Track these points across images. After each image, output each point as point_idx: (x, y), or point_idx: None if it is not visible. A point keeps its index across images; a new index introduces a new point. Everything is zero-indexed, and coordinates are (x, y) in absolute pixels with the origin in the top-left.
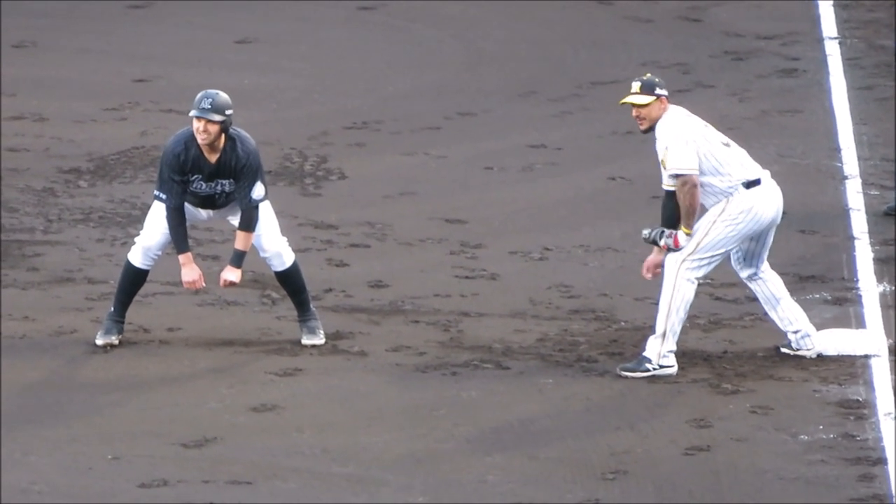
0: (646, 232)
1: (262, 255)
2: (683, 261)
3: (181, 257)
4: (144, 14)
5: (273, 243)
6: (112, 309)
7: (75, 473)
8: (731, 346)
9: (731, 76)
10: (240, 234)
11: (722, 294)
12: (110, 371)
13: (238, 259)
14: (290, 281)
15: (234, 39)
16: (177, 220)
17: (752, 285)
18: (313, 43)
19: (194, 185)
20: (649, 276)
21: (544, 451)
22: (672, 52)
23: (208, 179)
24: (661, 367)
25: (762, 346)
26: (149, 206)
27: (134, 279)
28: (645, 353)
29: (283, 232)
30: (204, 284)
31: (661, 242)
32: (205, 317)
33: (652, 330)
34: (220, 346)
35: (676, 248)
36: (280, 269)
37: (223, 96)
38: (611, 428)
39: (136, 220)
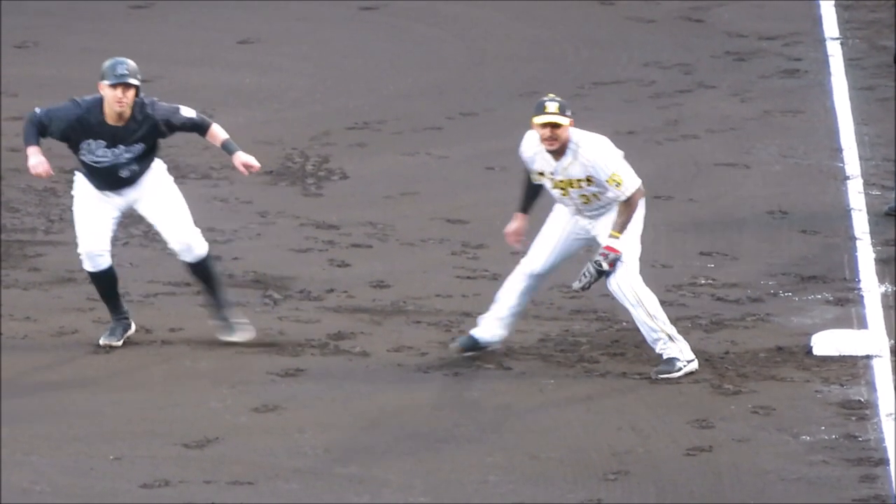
0: (584, 280)
1: (171, 245)
2: (627, 275)
3: (30, 149)
4: (146, 14)
5: (184, 234)
6: (111, 313)
7: (77, 474)
8: (733, 346)
9: (732, 76)
10: (212, 135)
11: (724, 294)
12: (112, 371)
13: (233, 144)
14: (204, 274)
15: (236, 39)
16: (38, 128)
17: (530, 281)
18: (315, 43)
19: (98, 153)
20: (517, 243)
21: (546, 452)
22: (674, 53)
23: (112, 145)
24: (688, 361)
25: (764, 346)
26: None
27: (104, 282)
28: (667, 356)
29: (285, 232)
30: (52, 172)
31: (605, 265)
32: (207, 317)
33: (651, 340)
34: (222, 346)
35: (618, 254)
36: (191, 261)
37: (132, 62)
38: (612, 428)
39: (137, 219)
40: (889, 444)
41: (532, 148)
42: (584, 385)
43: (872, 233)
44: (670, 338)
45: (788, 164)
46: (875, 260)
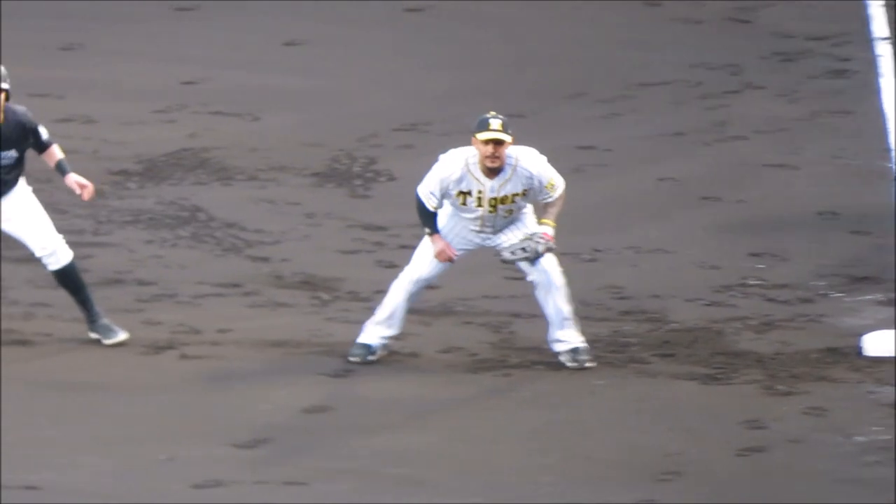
0: (518, 255)
1: (37, 254)
2: (555, 260)
3: None
4: (193, 16)
5: (49, 241)
6: None
7: (129, 474)
8: (784, 347)
9: (781, 77)
10: (51, 153)
11: (774, 295)
12: (162, 372)
13: (67, 166)
14: (70, 280)
15: (282, 41)
16: None
17: (416, 287)
18: (361, 44)
19: None
20: (452, 257)
21: (598, 453)
22: (721, 54)
23: None
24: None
25: (815, 347)
26: (198, 208)
27: None
28: (581, 344)
29: (333, 233)
30: None
31: (542, 249)
32: (255, 318)
33: (563, 323)
34: (272, 347)
35: (553, 244)
36: (56, 267)
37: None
38: (664, 429)
39: (185, 221)
40: None
41: (459, 168)
42: (635, 386)
43: None
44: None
45: (838, 164)
46: None
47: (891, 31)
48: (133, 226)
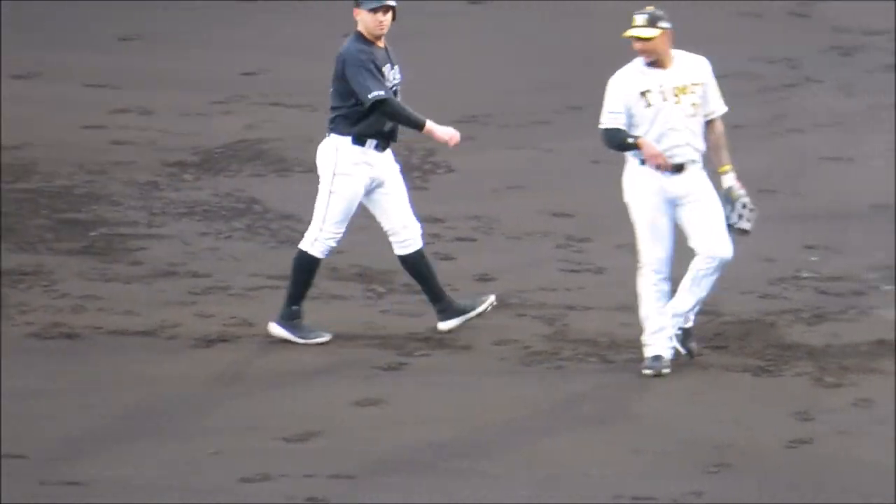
0: (752, 217)
1: (405, 234)
2: None
3: (428, 125)
4: (252, 7)
5: (413, 222)
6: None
7: (176, 469)
8: (835, 339)
9: (838, 71)
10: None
11: (826, 287)
12: (212, 366)
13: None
14: (415, 268)
15: (342, 32)
16: (398, 103)
17: (663, 282)
18: (421, 37)
19: (391, 76)
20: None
21: (648, 445)
22: (780, 48)
23: (393, 65)
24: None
25: (866, 339)
26: (254, 200)
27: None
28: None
29: None
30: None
31: (748, 201)
32: (309, 311)
33: (690, 313)
34: None
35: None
36: (421, 247)
37: None
38: (714, 421)
39: (240, 213)
40: None
41: (631, 71)
42: (686, 378)
43: None
44: None
45: (893, 158)
46: None
47: None
48: (188, 217)
